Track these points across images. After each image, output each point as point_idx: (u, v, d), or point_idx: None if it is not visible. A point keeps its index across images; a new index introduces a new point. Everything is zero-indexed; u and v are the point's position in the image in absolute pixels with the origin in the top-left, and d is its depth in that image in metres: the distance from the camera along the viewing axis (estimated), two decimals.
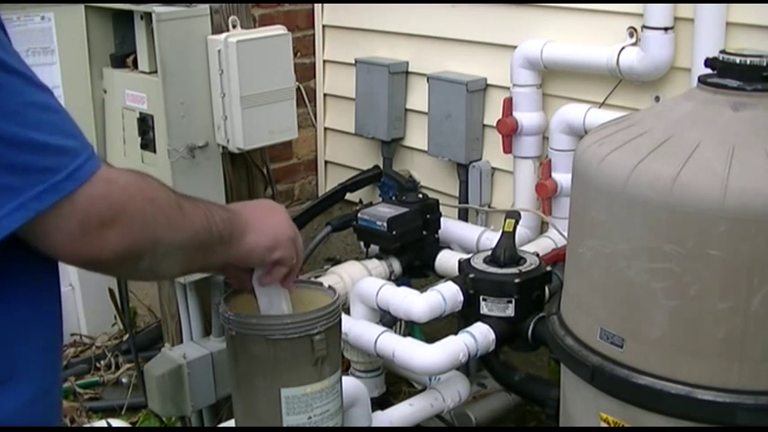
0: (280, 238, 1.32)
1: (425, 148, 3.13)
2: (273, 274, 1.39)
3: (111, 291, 3.43)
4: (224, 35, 2.36)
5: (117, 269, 1.13)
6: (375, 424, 2.24)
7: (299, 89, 3.26)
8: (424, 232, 2.75)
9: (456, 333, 2.33)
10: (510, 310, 2.34)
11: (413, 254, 2.75)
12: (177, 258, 1.12)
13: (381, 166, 3.34)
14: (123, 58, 2.48)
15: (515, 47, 2.77)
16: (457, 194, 3.10)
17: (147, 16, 2.32)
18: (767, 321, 1.54)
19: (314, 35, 3.51)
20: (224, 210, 1.22)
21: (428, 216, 2.75)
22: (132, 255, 1.04)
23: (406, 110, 3.26)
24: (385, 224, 2.64)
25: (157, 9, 2.27)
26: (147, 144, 2.42)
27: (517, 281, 2.33)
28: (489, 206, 3.04)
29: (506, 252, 2.41)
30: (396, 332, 2.50)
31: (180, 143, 2.36)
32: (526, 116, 2.79)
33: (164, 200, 1.08)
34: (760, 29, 2.30)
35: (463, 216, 3.07)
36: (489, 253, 2.45)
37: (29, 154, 0.95)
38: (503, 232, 2.45)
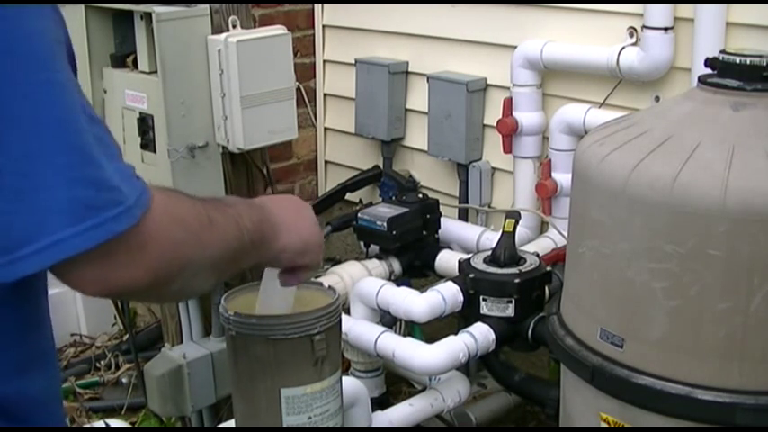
0: (310, 243, 1.27)
1: (425, 148, 3.13)
2: (299, 277, 1.35)
3: None
4: (224, 35, 2.36)
5: (146, 297, 1.10)
6: (375, 424, 2.24)
7: (299, 89, 3.26)
8: (424, 232, 2.75)
9: (456, 333, 2.33)
10: (510, 310, 2.34)
11: (413, 254, 2.75)
12: (209, 274, 1.05)
13: (381, 166, 3.34)
14: (123, 58, 2.48)
15: (515, 47, 2.77)
16: (457, 194, 3.10)
17: (147, 16, 2.32)
18: (767, 321, 1.54)
19: (314, 35, 3.51)
20: (254, 210, 1.15)
21: (428, 216, 2.75)
22: (162, 281, 0.97)
23: (406, 110, 3.26)
24: (385, 224, 2.64)
25: (157, 9, 2.27)
26: (147, 144, 2.42)
27: (517, 281, 2.33)
28: (489, 206, 3.04)
29: (506, 252, 2.41)
30: (396, 332, 2.50)
31: (180, 143, 2.36)
32: (526, 116, 2.79)
33: (193, 217, 1.00)
34: (760, 29, 2.30)
35: (463, 216, 3.07)
36: (489, 253, 2.45)
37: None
38: (503, 232, 2.45)
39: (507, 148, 2.84)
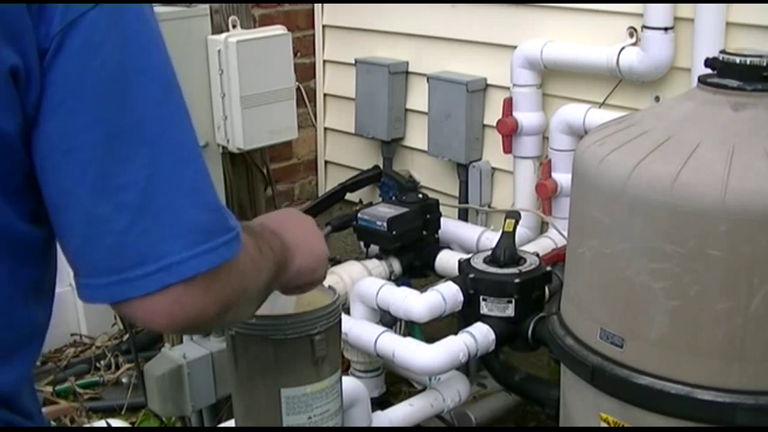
0: (320, 259, 1.27)
1: (425, 148, 3.13)
2: (304, 290, 1.34)
3: None
4: (224, 35, 2.36)
5: (204, 328, 1.10)
6: (375, 424, 2.24)
7: (299, 89, 3.26)
8: (424, 232, 2.74)
9: (456, 333, 2.33)
10: (510, 310, 2.34)
11: (413, 254, 2.75)
12: (256, 302, 1.06)
13: (381, 166, 3.34)
14: None
15: (515, 47, 2.77)
16: (457, 194, 3.10)
17: None
18: (767, 321, 1.54)
19: (314, 35, 3.51)
20: (274, 237, 1.13)
21: (428, 216, 2.75)
22: (224, 311, 0.94)
23: (406, 110, 3.26)
24: (385, 224, 2.64)
25: (157, 9, 2.27)
26: None
27: (517, 281, 2.33)
28: (489, 206, 3.04)
29: (506, 252, 2.41)
30: (396, 332, 2.50)
31: None
32: (526, 116, 2.79)
33: (250, 245, 0.98)
34: (760, 29, 2.30)
35: (463, 216, 3.07)
36: (489, 253, 2.45)
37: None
38: (503, 232, 2.45)
39: (507, 148, 2.84)
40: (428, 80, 3.05)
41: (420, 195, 2.80)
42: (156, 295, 0.87)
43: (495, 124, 2.84)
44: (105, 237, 0.86)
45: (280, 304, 1.56)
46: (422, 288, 2.45)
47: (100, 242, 0.86)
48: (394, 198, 2.85)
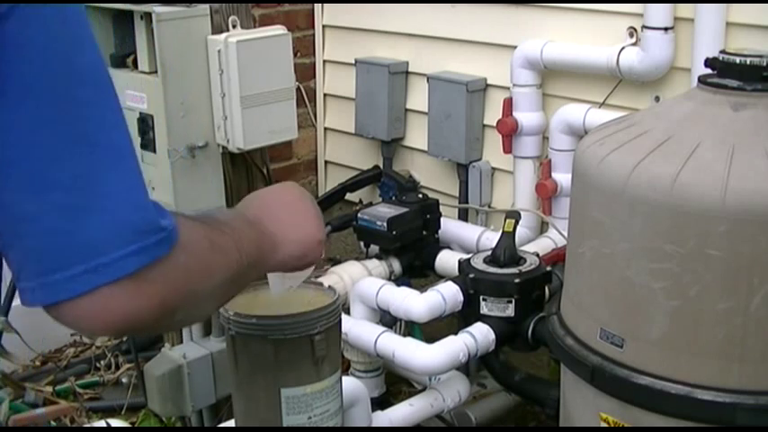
0: (309, 246, 1.20)
1: (425, 148, 3.13)
2: (300, 269, 1.28)
3: None
4: (224, 35, 2.36)
5: (147, 329, 1.02)
6: (375, 424, 2.24)
7: (299, 89, 3.26)
8: (424, 232, 2.74)
9: (456, 333, 2.33)
10: (510, 310, 2.34)
11: (413, 254, 2.75)
12: (211, 302, 1.01)
13: (381, 166, 3.34)
14: (123, 58, 2.48)
15: (515, 47, 2.77)
16: (457, 194, 3.10)
17: (147, 16, 2.32)
18: (767, 321, 1.54)
19: (314, 35, 3.51)
20: (252, 228, 1.09)
21: (428, 216, 2.75)
22: (168, 313, 0.91)
23: (406, 110, 3.26)
24: (385, 224, 2.64)
25: (157, 9, 2.27)
26: (147, 144, 2.42)
27: (517, 281, 2.33)
28: (489, 206, 3.03)
29: (506, 252, 2.41)
30: (396, 332, 2.50)
31: (180, 143, 2.36)
32: (526, 116, 2.79)
33: (196, 243, 0.94)
34: (760, 29, 2.30)
35: (463, 216, 3.07)
36: (489, 253, 2.45)
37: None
38: (503, 232, 2.45)
39: (507, 148, 2.84)
40: (428, 80, 3.05)
41: (420, 195, 2.80)
42: (85, 298, 0.83)
43: (495, 124, 2.84)
44: (31, 237, 0.83)
45: (287, 281, 1.51)
46: (422, 288, 2.45)
47: (26, 243, 0.84)
48: (394, 198, 2.85)
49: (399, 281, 2.70)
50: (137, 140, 2.43)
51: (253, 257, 1.05)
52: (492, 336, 2.32)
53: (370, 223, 2.68)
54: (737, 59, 1.68)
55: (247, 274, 1.06)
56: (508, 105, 2.80)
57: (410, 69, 3.21)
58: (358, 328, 2.41)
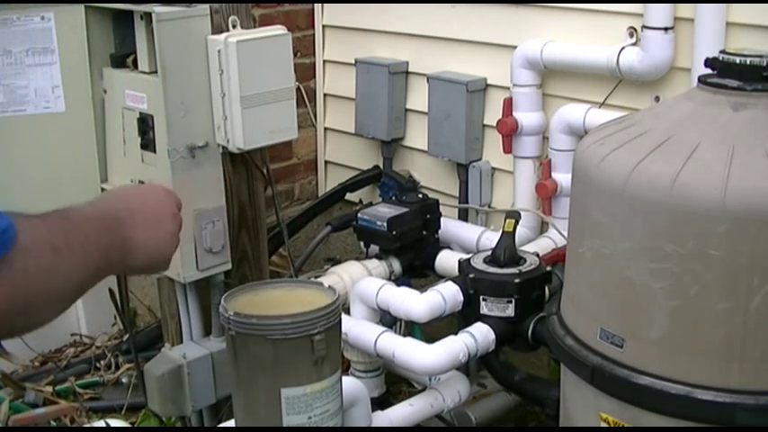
0: (158, 261, 1.16)
1: (425, 148, 3.13)
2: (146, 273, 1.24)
3: (111, 291, 3.42)
4: (224, 35, 2.36)
5: None
6: (375, 424, 2.24)
7: (299, 89, 3.26)
8: (424, 232, 2.75)
9: (456, 333, 2.33)
10: (510, 310, 2.34)
11: (413, 254, 2.75)
12: (59, 301, 0.97)
13: (381, 166, 3.34)
14: (123, 58, 2.47)
15: (515, 47, 2.77)
16: (457, 194, 3.10)
17: (147, 16, 2.32)
18: (767, 321, 1.54)
19: (314, 35, 3.52)
20: (103, 234, 1.05)
21: (428, 216, 2.75)
22: (5, 316, 0.88)
23: (406, 110, 3.26)
24: (385, 224, 2.64)
25: (157, 9, 2.27)
26: (147, 144, 2.42)
27: (517, 281, 2.33)
28: (489, 206, 3.04)
29: (506, 252, 2.41)
30: (396, 332, 2.50)
31: (180, 143, 2.36)
32: (526, 116, 2.79)
33: (38, 246, 0.91)
34: (760, 29, 2.30)
35: (463, 216, 3.07)
36: (489, 253, 2.45)
37: None
38: (503, 232, 2.45)
39: (507, 148, 2.84)
40: (428, 80, 3.05)
41: (420, 195, 2.80)
42: None
43: (495, 124, 2.84)
44: None
45: None
46: (422, 288, 2.45)
47: None
48: (394, 198, 2.85)
49: (399, 281, 2.70)
50: (137, 140, 2.43)
51: (99, 263, 1.03)
52: (492, 336, 2.32)
53: (370, 223, 2.68)
54: (737, 59, 1.68)
55: (92, 280, 1.03)
56: (508, 105, 2.80)
57: (410, 69, 3.21)
58: (358, 328, 2.41)
